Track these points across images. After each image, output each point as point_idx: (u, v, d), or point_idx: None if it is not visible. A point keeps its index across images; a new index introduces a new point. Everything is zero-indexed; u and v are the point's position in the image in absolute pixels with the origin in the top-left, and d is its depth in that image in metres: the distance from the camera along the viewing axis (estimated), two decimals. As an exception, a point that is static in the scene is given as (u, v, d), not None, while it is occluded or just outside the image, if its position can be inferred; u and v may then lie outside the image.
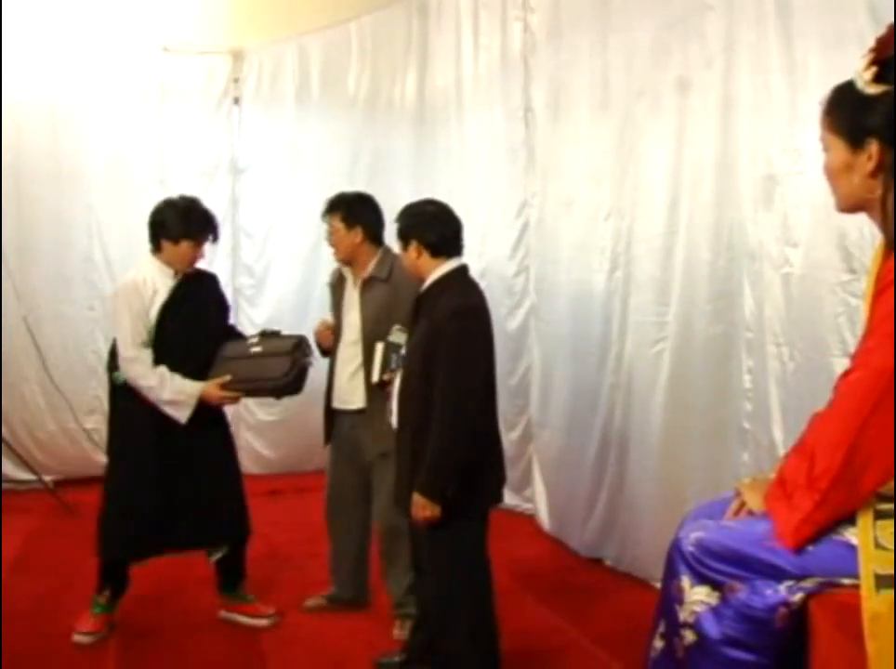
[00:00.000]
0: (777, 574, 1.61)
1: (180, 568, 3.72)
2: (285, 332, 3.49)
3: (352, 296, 3.41)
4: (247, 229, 5.72)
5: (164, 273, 3.29)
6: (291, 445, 5.63)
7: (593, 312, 4.06)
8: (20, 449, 5.18)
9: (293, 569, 4.05)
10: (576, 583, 3.91)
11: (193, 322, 3.30)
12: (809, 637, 1.61)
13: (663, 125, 3.61)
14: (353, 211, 3.39)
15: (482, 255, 4.81)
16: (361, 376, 3.32)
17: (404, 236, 2.83)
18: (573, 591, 3.81)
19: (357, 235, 3.37)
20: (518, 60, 4.65)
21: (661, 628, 1.78)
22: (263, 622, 3.45)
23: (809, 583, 1.60)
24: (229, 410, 3.52)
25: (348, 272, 3.46)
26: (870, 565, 1.56)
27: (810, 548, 1.62)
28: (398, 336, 3.08)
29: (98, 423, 5.14)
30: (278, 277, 5.73)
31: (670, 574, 1.74)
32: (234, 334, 3.54)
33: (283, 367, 3.28)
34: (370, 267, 3.38)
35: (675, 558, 1.73)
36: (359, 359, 3.33)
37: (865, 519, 1.60)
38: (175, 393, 3.20)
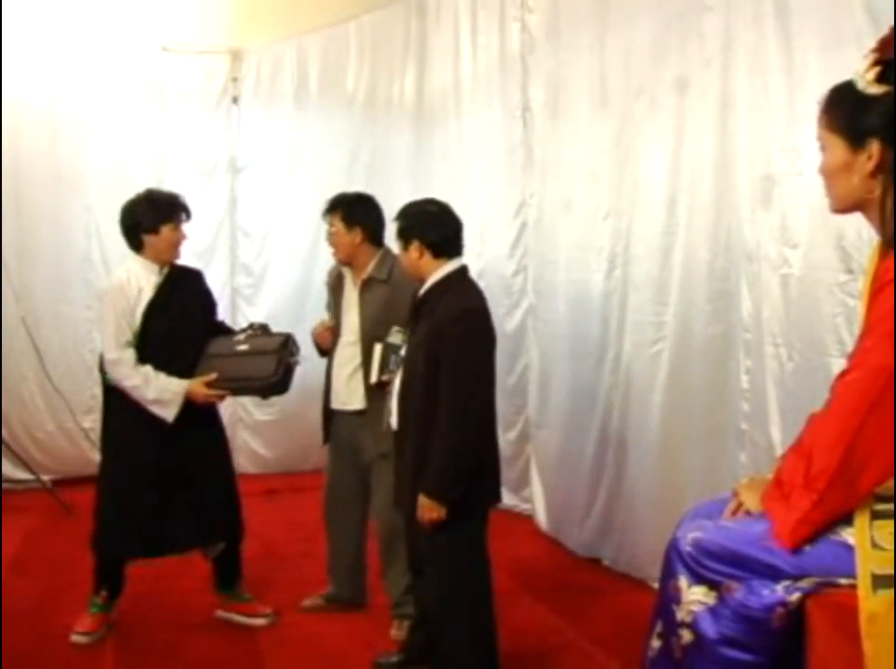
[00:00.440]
0: (774, 574, 1.61)
1: (177, 568, 3.71)
2: (285, 331, 3.47)
3: (351, 297, 3.41)
4: (246, 228, 5.71)
5: (148, 270, 3.28)
6: (288, 445, 5.63)
7: (591, 312, 4.06)
8: (19, 448, 5.18)
9: (290, 568, 4.04)
10: (574, 583, 3.91)
11: (180, 319, 3.29)
12: (806, 637, 1.61)
13: (661, 125, 3.61)
14: (353, 211, 3.38)
15: (481, 254, 4.80)
16: (359, 377, 3.32)
17: (405, 236, 2.80)
18: (570, 591, 3.81)
19: (357, 235, 3.37)
20: (516, 60, 4.65)
21: (658, 628, 1.79)
22: (260, 621, 3.45)
23: (806, 584, 1.60)
24: (226, 410, 3.51)
25: (347, 272, 3.46)
26: (867, 565, 1.56)
27: (808, 548, 1.62)
28: (396, 337, 3.08)
29: (95, 422, 5.07)
30: (276, 276, 5.72)
31: (668, 574, 1.74)
32: (223, 330, 3.52)
33: (269, 366, 3.26)
34: (369, 267, 3.38)
35: (672, 558, 1.73)
36: (357, 359, 3.33)
37: (862, 519, 1.60)
38: (159, 392, 3.18)
